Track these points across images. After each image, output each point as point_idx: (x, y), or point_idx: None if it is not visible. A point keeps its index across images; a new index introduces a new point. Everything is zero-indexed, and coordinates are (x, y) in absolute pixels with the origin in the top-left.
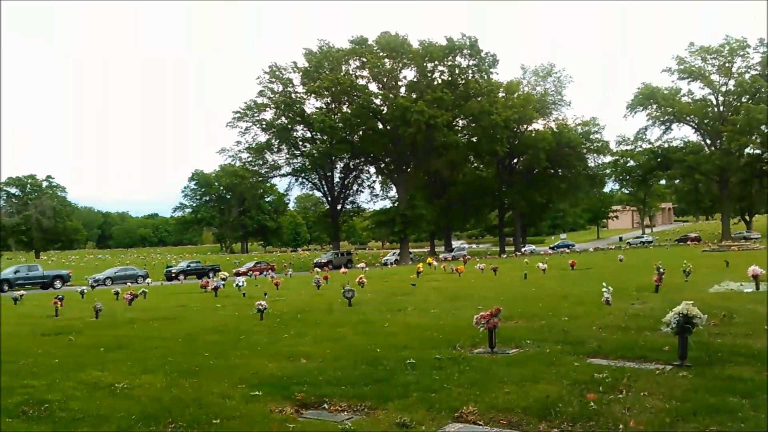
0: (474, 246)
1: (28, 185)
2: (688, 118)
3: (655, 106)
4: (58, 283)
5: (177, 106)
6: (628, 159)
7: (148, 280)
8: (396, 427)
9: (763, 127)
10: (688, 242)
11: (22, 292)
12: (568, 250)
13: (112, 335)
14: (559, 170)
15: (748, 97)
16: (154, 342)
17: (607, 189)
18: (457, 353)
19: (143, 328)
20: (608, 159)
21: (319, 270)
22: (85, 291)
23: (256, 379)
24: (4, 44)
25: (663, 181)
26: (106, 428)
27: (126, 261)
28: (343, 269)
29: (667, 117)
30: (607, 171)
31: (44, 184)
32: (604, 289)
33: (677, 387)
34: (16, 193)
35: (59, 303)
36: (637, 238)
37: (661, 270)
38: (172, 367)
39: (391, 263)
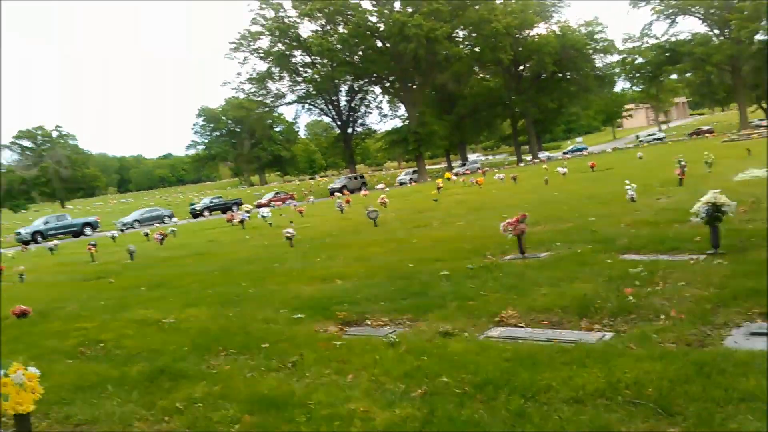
0: (490, 157)
1: (39, 137)
2: (693, 9)
3: (658, 0)
4: (88, 230)
5: (174, 44)
6: (636, 56)
7: (175, 219)
8: (440, 336)
9: None
10: (702, 135)
11: (55, 241)
12: (585, 153)
13: (150, 274)
14: (567, 73)
15: None
16: (191, 277)
17: (617, 88)
18: (489, 261)
19: (178, 264)
20: (616, 58)
21: (340, 194)
22: (116, 235)
23: (296, 303)
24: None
25: (674, 76)
26: (162, 361)
27: (150, 203)
28: (363, 191)
29: (672, 10)
30: (616, 70)
31: (54, 134)
32: (627, 187)
33: (714, 275)
34: (29, 146)
35: (93, 249)
36: (650, 135)
37: (683, 163)
38: (213, 299)
39: (406, 182)
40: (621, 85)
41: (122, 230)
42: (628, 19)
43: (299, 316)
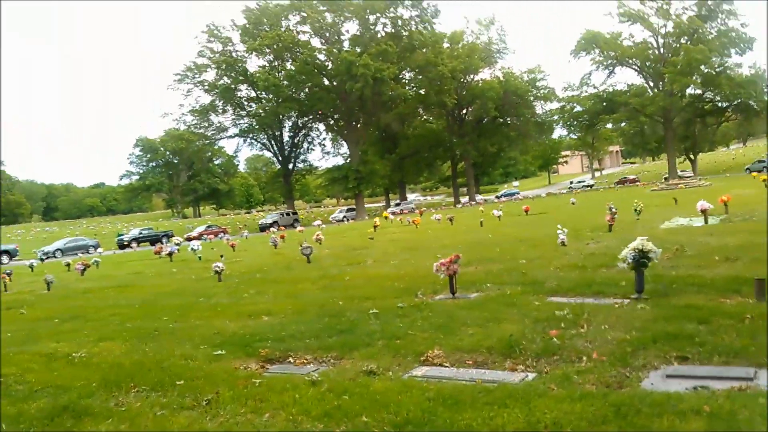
0: (429, 198)
1: None
2: (630, 61)
3: (597, 51)
4: (5, 258)
5: (114, 72)
6: (575, 104)
7: (100, 249)
8: (363, 375)
9: (702, 67)
10: (626, 183)
11: None
12: (520, 197)
13: (65, 306)
14: (508, 119)
15: (686, 38)
16: (110, 310)
17: (555, 135)
18: (420, 301)
19: (98, 297)
20: (555, 105)
21: (275, 230)
22: (35, 264)
23: (218, 339)
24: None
25: (609, 125)
26: (66, 397)
27: (75, 232)
28: (299, 228)
29: (610, 61)
30: (555, 117)
31: None
32: (559, 231)
33: (636, 318)
34: None
35: (7, 278)
36: (580, 182)
37: (614, 210)
38: (130, 333)
39: (339, 220)
40: (558, 132)
41: (42, 259)
42: (569, 69)
43: (220, 352)
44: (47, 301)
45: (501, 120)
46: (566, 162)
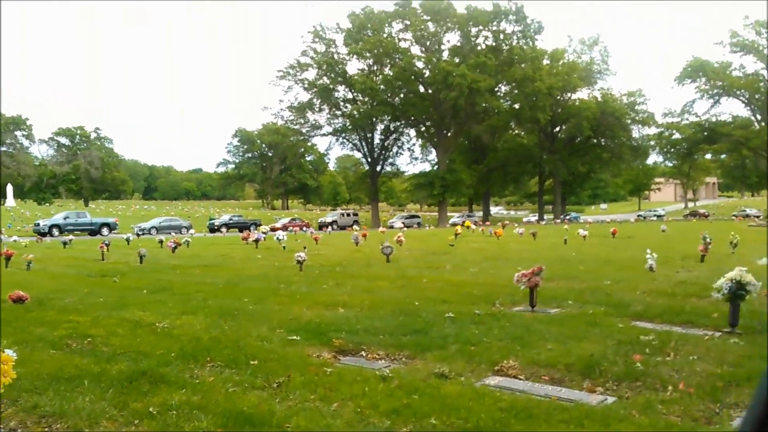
0: (512, 212)
1: (77, 136)
2: (738, 92)
3: (704, 80)
4: (105, 231)
5: (221, 64)
6: (674, 131)
7: (192, 231)
8: (435, 377)
9: None
10: (697, 217)
11: (71, 237)
12: (580, 221)
13: (154, 279)
14: (602, 140)
15: None
16: (195, 287)
17: (650, 161)
18: (497, 310)
19: (185, 273)
20: (653, 131)
21: (357, 227)
22: (131, 238)
23: (294, 325)
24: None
25: (709, 155)
26: (146, 363)
27: (171, 212)
28: (381, 228)
29: (716, 91)
30: (652, 143)
31: (92, 135)
32: (648, 256)
33: (729, 353)
34: (66, 144)
35: (105, 248)
36: (650, 211)
37: (708, 240)
38: (211, 310)
39: (394, 226)
40: (654, 158)
41: (139, 235)
42: (671, 95)
43: (295, 338)
44: (138, 273)
45: (595, 140)
46: (659, 189)
